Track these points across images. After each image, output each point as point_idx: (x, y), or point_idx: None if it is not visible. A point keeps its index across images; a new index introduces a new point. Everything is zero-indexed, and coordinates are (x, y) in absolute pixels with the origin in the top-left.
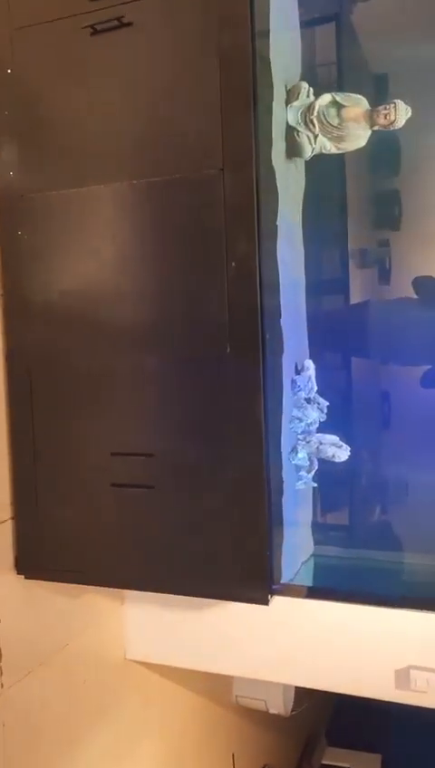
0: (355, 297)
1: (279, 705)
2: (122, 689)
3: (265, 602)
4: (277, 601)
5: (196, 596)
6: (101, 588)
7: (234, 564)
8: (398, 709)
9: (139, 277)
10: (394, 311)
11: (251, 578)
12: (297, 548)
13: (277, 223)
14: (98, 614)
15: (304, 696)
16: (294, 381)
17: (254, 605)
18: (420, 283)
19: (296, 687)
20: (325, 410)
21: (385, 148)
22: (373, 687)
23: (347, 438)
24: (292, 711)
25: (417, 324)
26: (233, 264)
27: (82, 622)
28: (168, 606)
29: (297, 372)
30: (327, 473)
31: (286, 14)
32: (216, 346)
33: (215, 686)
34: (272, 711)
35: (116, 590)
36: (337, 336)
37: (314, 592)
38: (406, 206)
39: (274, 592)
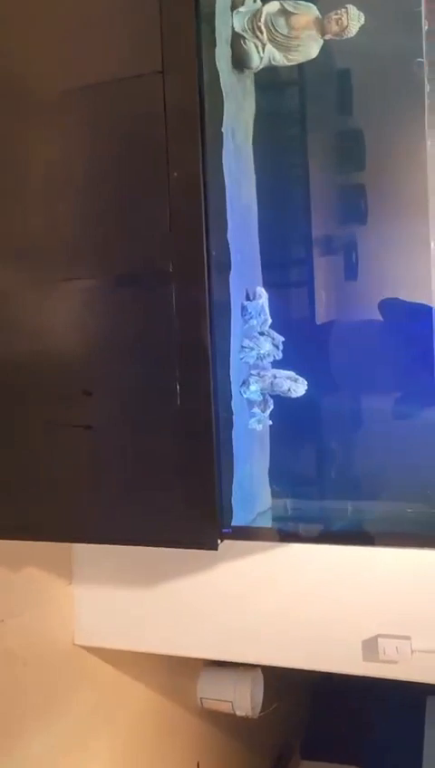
0: (311, 236)
1: (247, 707)
2: (71, 680)
3: (215, 547)
4: (234, 570)
5: (143, 544)
6: (46, 561)
7: (181, 507)
8: (376, 720)
9: (73, 195)
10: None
11: (199, 520)
12: (253, 495)
13: (222, 130)
14: (42, 592)
15: (274, 698)
16: (244, 308)
17: (211, 581)
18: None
19: (265, 688)
20: (280, 346)
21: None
22: (340, 661)
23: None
24: (260, 712)
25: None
26: (175, 173)
27: (24, 599)
28: (120, 585)
29: (248, 299)
30: (285, 415)
31: None
32: (157, 264)
33: (178, 686)
34: (239, 713)
35: (63, 567)
36: (292, 271)
37: (269, 534)
38: (370, 148)
39: (224, 536)
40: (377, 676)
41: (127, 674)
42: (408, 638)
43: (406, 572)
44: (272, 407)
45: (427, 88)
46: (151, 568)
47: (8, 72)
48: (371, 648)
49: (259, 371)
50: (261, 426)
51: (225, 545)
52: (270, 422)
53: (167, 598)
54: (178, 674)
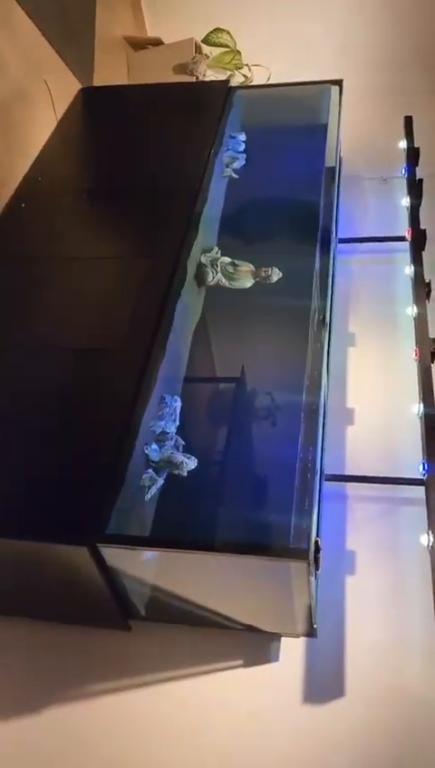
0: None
1: None
2: None
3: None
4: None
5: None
6: None
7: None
8: None
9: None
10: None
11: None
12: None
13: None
14: None
15: None
16: (163, 397)
17: None
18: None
19: None
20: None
21: None
22: None
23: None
24: None
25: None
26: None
27: None
28: None
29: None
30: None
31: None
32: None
33: None
34: None
35: None
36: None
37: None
38: None
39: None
40: None
41: None
42: None
43: None
44: (164, 477)
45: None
46: None
47: None
48: None
49: (163, 438)
50: (150, 482)
51: None
52: (162, 481)
53: None
54: None
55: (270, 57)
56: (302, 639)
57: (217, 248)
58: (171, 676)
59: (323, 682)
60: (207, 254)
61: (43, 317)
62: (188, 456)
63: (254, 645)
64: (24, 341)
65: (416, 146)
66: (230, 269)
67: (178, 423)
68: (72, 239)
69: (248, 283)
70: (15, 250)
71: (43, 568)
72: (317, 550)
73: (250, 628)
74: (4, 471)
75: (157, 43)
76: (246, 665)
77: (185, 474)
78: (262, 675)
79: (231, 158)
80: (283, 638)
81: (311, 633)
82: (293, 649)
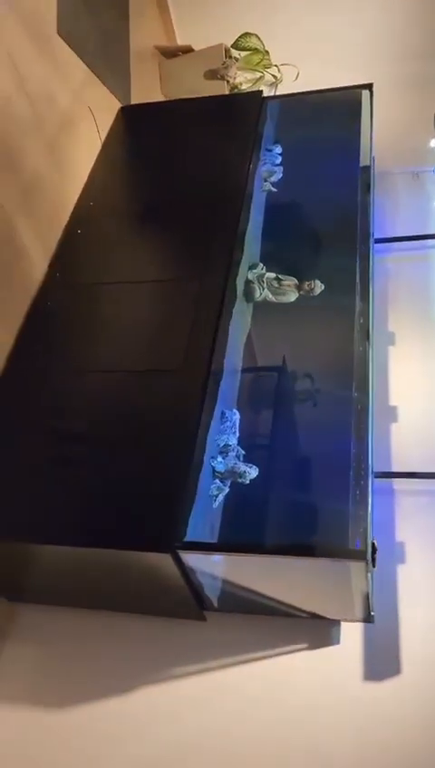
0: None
1: None
2: None
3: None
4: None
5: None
6: None
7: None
8: None
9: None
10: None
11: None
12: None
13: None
14: None
15: None
16: (223, 413)
17: None
18: None
19: None
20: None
21: None
22: None
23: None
24: None
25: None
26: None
27: None
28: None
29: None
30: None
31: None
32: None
33: None
34: None
35: None
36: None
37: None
38: None
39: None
40: None
41: None
42: None
43: None
44: (228, 486)
45: None
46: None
47: None
48: None
49: (226, 451)
50: (218, 492)
51: None
52: (226, 489)
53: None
54: None
55: (298, 56)
56: (360, 624)
57: (261, 264)
58: (244, 659)
59: (381, 661)
60: (253, 271)
61: (106, 341)
62: (250, 465)
63: (317, 630)
64: (91, 366)
65: None
66: (275, 284)
67: (238, 434)
68: (126, 263)
69: (293, 296)
70: (76, 276)
71: (129, 570)
72: (374, 550)
73: (313, 616)
74: (90, 488)
75: (187, 50)
76: (310, 648)
77: (247, 482)
78: (325, 656)
79: (269, 171)
80: (343, 624)
81: (368, 619)
82: (352, 633)
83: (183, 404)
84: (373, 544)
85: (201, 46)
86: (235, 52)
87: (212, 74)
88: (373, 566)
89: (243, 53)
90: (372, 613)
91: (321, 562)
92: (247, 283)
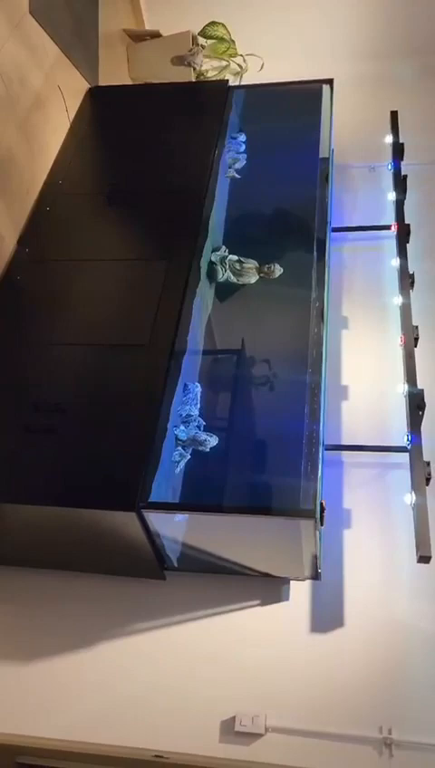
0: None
1: None
2: None
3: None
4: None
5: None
6: None
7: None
8: None
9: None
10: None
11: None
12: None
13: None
14: None
15: None
16: (186, 385)
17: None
18: None
19: None
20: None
21: None
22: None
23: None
24: None
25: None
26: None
27: None
28: None
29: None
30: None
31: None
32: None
33: None
34: None
35: None
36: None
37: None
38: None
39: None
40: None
41: None
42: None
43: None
44: (189, 454)
45: None
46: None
47: None
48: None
49: (188, 420)
50: (180, 458)
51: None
52: (188, 456)
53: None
54: None
55: (264, 48)
56: (308, 582)
57: (224, 247)
58: (201, 615)
59: (326, 616)
60: (217, 253)
61: (75, 316)
62: (210, 434)
63: (268, 588)
64: (60, 339)
65: (400, 141)
66: (237, 266)
67: (199, 406)
68: (95, 241)
69: (254, 278)
70: (45, 252)
71: (96, 530)
72: (322, 510)
73: (265, 575)
74: (60, 452)
75: (155, 35)
76: (262, 604)
77: (208, 450)
78: (276, 611)
79: (233, 158)
80: (292, 582)
81: (316, 576)
82: (301, 590)
83: (149, 376)
84: (322, 504)
85: (169, 32)
86: (202, 40)
87: (179, 60)
88: (321, 524)
89: (209, 41)
90: (320, 570)
91: (274, 521)
92: (211, 264)
